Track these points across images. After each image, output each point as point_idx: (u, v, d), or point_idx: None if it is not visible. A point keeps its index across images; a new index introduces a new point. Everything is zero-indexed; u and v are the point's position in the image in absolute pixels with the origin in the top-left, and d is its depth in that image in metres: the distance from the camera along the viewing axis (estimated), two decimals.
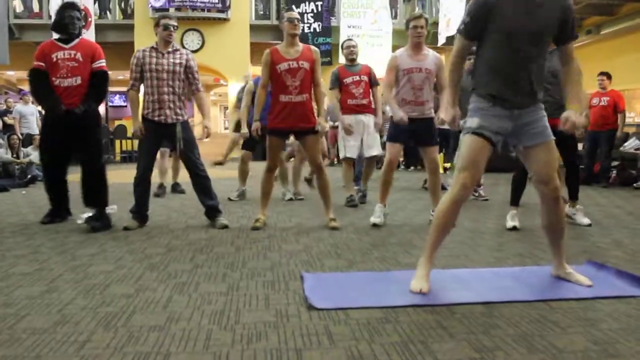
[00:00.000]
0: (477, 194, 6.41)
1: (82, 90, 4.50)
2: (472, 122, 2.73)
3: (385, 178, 4.69)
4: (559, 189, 2.77)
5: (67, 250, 3.65)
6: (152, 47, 4.48)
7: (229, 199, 6.23)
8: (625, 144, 9.30)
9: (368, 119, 5.84)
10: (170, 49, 4.49)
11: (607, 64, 10.31)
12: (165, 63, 4.42)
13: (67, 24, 4.57)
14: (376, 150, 5.96)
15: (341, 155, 6.13)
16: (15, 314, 2.36)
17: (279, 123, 4.38)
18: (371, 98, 5.85)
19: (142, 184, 4.50)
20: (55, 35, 4.68)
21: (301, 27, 4.63)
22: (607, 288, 2.74)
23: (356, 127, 5.76)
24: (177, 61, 4.48)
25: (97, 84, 4.60)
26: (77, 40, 4.61)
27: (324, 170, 4.59)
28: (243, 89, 7.02)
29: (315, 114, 4.52)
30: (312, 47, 4.55)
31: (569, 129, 2.72)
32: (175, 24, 4.53)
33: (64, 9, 4.64)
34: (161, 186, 6.78)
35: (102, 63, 4.64)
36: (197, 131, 6.70)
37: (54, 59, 4.47)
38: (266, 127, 4.44)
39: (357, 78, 5.78)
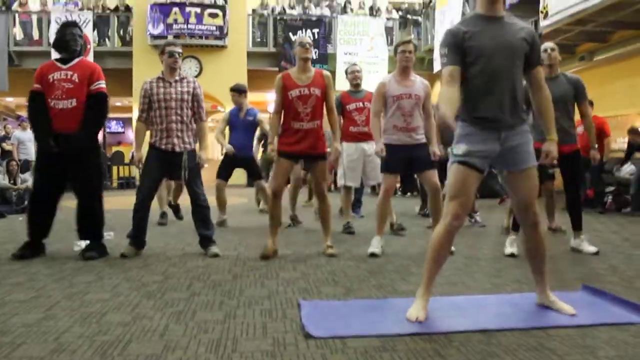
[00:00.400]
0: (473, 220, 6.42)
1: (78, 113, 4.30)
2: (458, 149, 2.73)
3: (382, 208, 4.65)
4: (538, 215, 2.80)
5: (64, 277, 3.64)
6: (159, 77, 4.51)
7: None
8: (621, 168, 9.36)
9: (369, 147, 5.67)
10: (177, 77, 4.52)
11: (601, 90, 10.44)
12: (173, 92, 4.46)
13: (68, 40, 4.44)
14: (377, 179, 5.84)
15: (340, 183, 6.05)
16: (11, 342, 2.35)
17: (291, 147, 4.37)
18: None
19: (141, 211, 4.48)
20: (55, 55, 4.58)
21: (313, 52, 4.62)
22: (604, 315, 2.74)
23: (357, 155, 5.72)
24: (185, 89, 4.51)
25: (96, 107, 4.39)
26: (76, 60, 4.45)
27: (327, 197, 4.56)
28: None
29: (326, 140, 4.54)
30: (325, 72, 4.54)
31: (549, 162, 2.82)
32: (180, 50, 4.56)
33: (65, 27, 4.54)
34: (163, 215, 6.67)
35: (101, 84, 4.44)
36: None
37: (51, 80, 4.32)
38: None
39: (361, 105, 5.75)
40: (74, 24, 4.65)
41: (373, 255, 4.44)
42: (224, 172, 6.42)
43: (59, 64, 4.42)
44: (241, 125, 6.55)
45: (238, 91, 6.57)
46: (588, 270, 3.95)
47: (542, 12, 9.29)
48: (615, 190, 8.86)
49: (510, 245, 4.51)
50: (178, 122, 4.47)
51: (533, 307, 2.90)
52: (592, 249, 4.57)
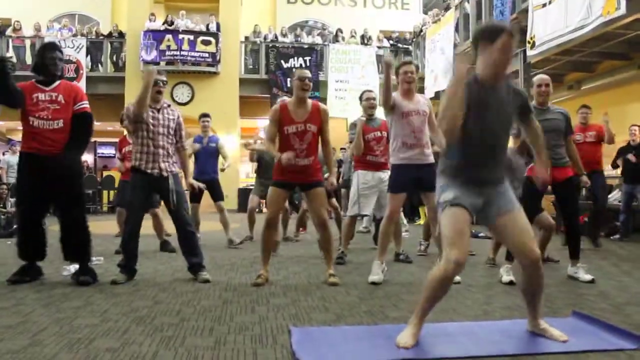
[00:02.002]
0: None
1: (63, 135, 4.25)
2: (446, 195, 2.73)
3: (386, 231, 4.58)
4: (540, 257, 2.75)
5: (52, 302, 3.59)
6: None
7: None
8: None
9: (385, 176, 5.37)
10: (161, 105, 4.57)
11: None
12: (160, 118, 4.52)
13: (47, 65, 4.33)
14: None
15: (351, 212, 5.71)
16: None
17: (284, 176, 4.36)
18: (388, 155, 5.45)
19: (131, 241, 4.46)
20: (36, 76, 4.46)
21: (311, 86, 4.53)
22: (595, 341, 2.74)
23: (373, 183, 5.51)
24: (171, 117, 4.60)
25: (80, 128, 4.35)
26: (57, 82, 4.36)
27: (328, 226, 4.47)
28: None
29: (322, 172, 4.57)
30: (322, 106, 4.48)
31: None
32: (165, 79, 4.61)
33: (45, 49, 4.43)
34: (165, 243, 6.48)
35: (84, 105, 4.41)
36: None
37: (34, 100, 4.23)
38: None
39: (379, 134, 5.54)
40: (54, 47, 4.49)
41: (374, 283, 4.33)
42: (194, 195, 6.65)
43: (40, 86, 4.32)
44: (204, 151, 7.00)
45: (209, 116, 7.20)
46: (578, 296, 3.96)
47: (529, 42, 9.47)
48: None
49: (507, 273, 4.47)
50: (165, 148, 4.52)
51: (523, 334, 2.90)
52: (587, 277, 4.57)
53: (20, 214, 4.44)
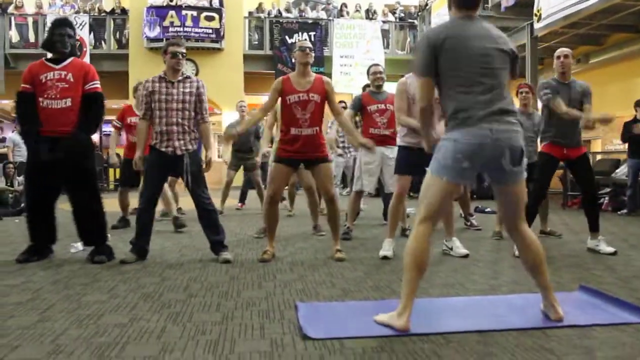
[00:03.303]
0: (469, 224, 6.41)
1: (72, 114, 4.18)
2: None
3: (395, 210, 4.59)
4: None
5: (60, 280, 3.62)
6: (161, 77, 4.34)
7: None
8: (617, 170, 9.39)
9: (390, 152, 5.30)
10: (180, 77, 4.36)
11: (596, 92, 10.38)
12: (175, 93, 4.30)
13: (55, 41, 4.28)
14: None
15: (356, 187, 5.68)
16: (8, 344, 2.34)
17: (289, 152, 4.34)
18: (396, 129, 5.38)
19: (144, 216, 4.36)
20: (48, 55, 4.43)
21: (312, 56, 4.56)
22: (602, 315, 2.75)
23: (376, 160, 5.41)
24: (187, 90, 4.35)
25: (91, 108, 4.26)
26: (68, 60, 4.29)
27: (336, 201, 4.47)
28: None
29: (327, 145, 4.55)
30: (325, 78, 4.46)
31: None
32: (184, 50, 4.38)
33: (54, 26, 4.36)
34: (177, 219, 6.28)
35: (96, 84, 4.32)
36: None
37: (43, 80, 4.17)
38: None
39: (383, 106, 5.43)
40: (63, 23, 4.41)
41: (385, 258, 4.38)
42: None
43: (50, 64, 4.27)
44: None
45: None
46: (585, 270, 3.96)
47: (535, 14, 9.32)
48: (612, 192, 8.91)
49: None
50: (179, 125, 4.30)
51: (530, 308, 2.90)
52: (609, 249, 4.59)
53: (29, 197, 4.38)
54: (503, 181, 2.64)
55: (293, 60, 4.58)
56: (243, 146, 7.90)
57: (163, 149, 4.31)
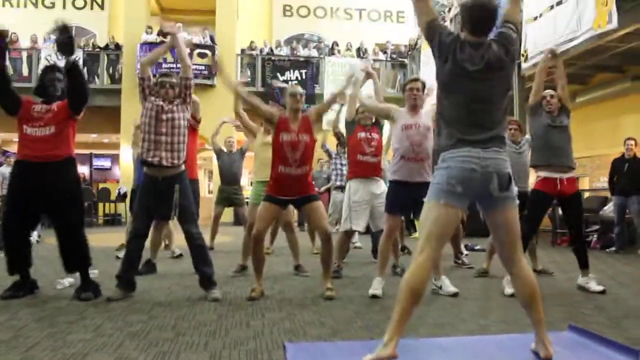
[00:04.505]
0: (460, 262, 6.41)
1: (55, 140, 4.25)
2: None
3: (384, 249, 4.59)
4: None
5: (45, 317, 3.57)
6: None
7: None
8: (605, 207, 9.48)
9: (377, 187, 5.31)
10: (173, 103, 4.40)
11: (583, 130, 10.66)
12: (167, 110, 4.33)
13: (47, 86, 4.43)
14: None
15: (343, 228, 5.51)
16: None
17: (277, 192, 4.38)
18: (383, 161, 5.32)
19: (133, 242, 4.32)
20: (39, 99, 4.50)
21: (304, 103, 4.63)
22: (591, 356, 2.73)
23: (364, 198, 5.30)
24: (179, 114, 4.39)
25: (71, 82, 4.28)
26: (58, 102, 4.40)
27: (331, 239, 4.46)
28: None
29: (314, 185, 4.65)
30: (306, 113, 4.59)
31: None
32: (173, 80, 4.42)
33: (45, 72, 4.55)
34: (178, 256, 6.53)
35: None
36: None
37: (32, 111, 4.32)
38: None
39: (370, 135, 5.39)
40: (52, 69, 4.59)
41: (374, 297, 4.34)
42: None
43: (41, 104, 4.40)
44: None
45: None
46: (574, 309, 3.95)
47: (522, 55, 9.55)
48: (600, 229, 8.97)
49: (509, 285, 4.42)
50: (168, 135, 4.29)
51: (520, 349, 2.88)
52: (599, 287, 4.61)
53: (6, 222, 4.33)
54: (493, 206, 2.66)
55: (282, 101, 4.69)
56: (225, 178, 7.87)
57: (149, 159, 4.27)
